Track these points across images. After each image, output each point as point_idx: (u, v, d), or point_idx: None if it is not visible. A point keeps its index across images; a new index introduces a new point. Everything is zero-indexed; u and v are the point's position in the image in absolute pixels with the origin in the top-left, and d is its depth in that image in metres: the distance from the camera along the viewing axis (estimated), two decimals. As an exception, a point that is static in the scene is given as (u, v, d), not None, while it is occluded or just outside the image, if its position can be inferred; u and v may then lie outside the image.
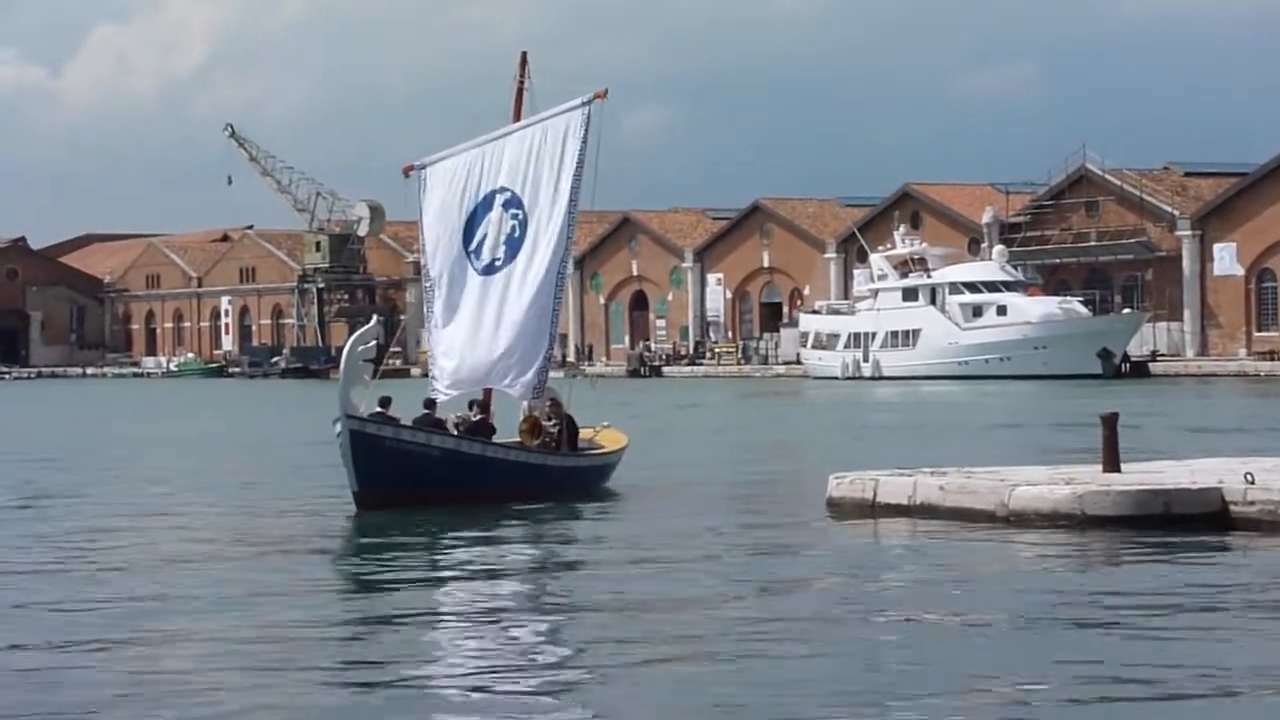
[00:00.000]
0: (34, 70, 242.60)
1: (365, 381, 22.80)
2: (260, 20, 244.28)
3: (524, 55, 25.96)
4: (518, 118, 25.64)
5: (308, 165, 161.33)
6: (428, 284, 25.41)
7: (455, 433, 23.88)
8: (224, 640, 13.32)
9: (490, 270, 24.91)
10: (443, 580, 17.22)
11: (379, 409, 23.08)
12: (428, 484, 22.56)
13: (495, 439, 24.29)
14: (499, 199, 24.99)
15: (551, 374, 25.30)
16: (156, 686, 11.74)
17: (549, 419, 24.63)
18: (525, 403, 24.97)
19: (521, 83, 25.84)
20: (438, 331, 25.12)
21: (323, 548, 19.84)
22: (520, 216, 24.83)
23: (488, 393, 25.07)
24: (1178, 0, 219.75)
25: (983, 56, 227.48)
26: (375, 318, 26.12)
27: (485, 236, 25.00)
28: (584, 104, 24.81)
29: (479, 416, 24.46)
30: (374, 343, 22.88)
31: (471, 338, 24.82)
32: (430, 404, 24.28)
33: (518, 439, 24.69)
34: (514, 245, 24.83)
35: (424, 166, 25.61)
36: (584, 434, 25.50)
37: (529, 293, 24.63)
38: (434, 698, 11.42)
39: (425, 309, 25.48)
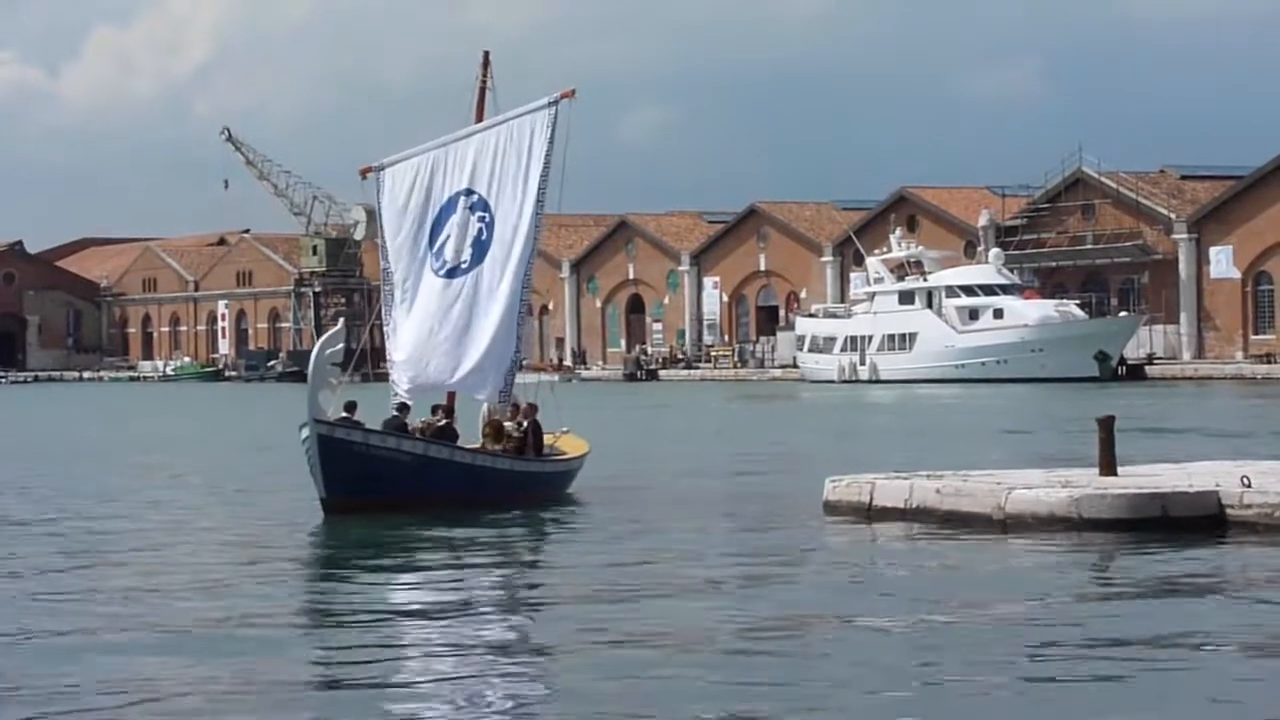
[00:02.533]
0: (32, 72, 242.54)
1: (332, 385, 22.48)
2: (260, 23, 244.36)
3: (486, 55, 25.72)
4: (480, 118, 25.34)
5: (307, 168, 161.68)
6: (388, 287, 25.02)
7: (420, 437, 23.46)
8: (180, 657, 13.03)
9: (454, 273, 24.55)
10: (420, 592, 16.97)
11: (344, 414, 22.72)
12: (396, 489, 22.18)
13: (457, 443, 23.89)
14: (464, 201, 24.67)
15: (523, 378, 25.09)
16: (114, 706, 11.48)
17: (514, 422, 24.30)
18: (485, 406, 24.63)
19: (484, 83, 25.54)
20: (404, 335, 24.69)
21: (287, 557, 19.40)
22: (487, 219, 24.53)
23: (451, 397, 24.72)
24: (1175, 4, 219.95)
25: (980, 60, 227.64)
26: (341, 321, 25.93)
27: (448, 239, 24.66)
28: (550, 104, 24.45)
29: (443, 421, 24.06)
30: (340, 346, 22.61)
31: (430, 340, 24.44)
32: (404, 408, 23.89)
33: (479, 443, 24.33)
34: (481, 248, 24.51)
35: (382, 168, 25.24)
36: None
37: (497, 297, 24.33)
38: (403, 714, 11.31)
39: (384, 311, 25.06)
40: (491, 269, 24.45)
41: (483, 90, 25.56)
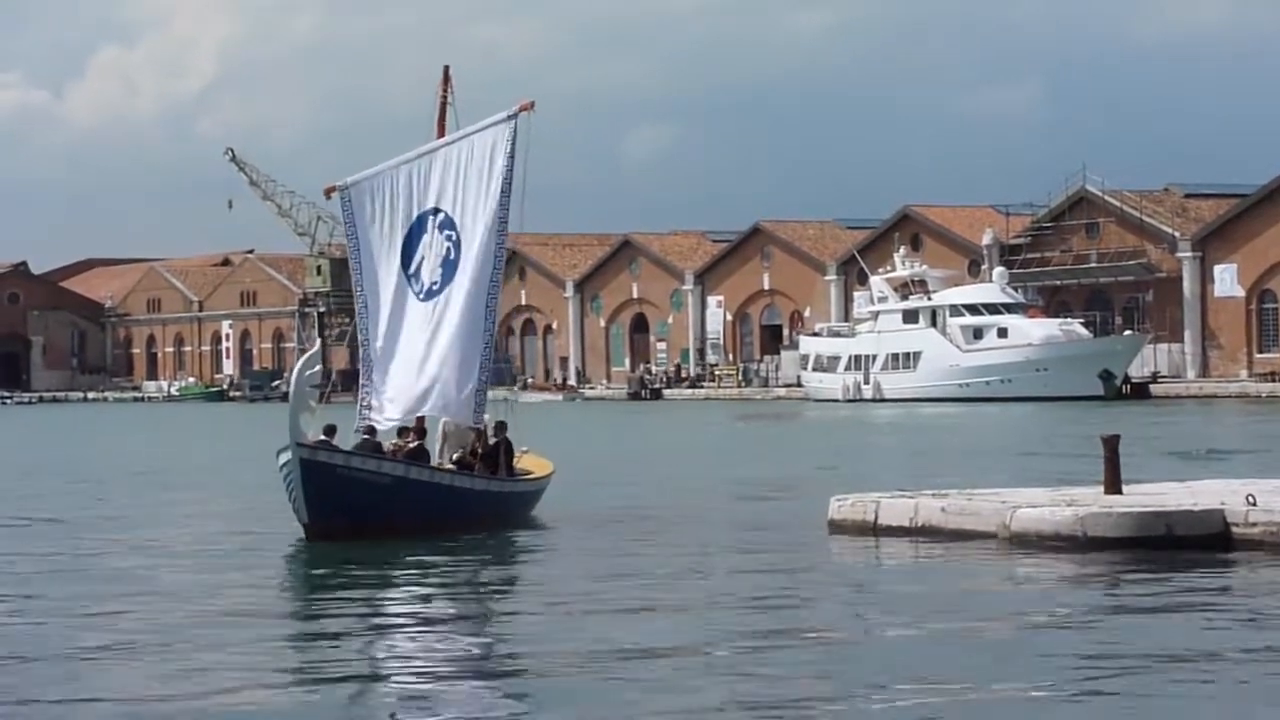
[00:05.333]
0: (38, 93, 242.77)
1: (312, 408, 22.05)
2: (264, 43, 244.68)
3: (446, 70, 25.48)
4: (442, 134, 25.07)
5: (311, 188, 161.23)
6: (361, 308, 24.61)
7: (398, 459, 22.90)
8: (158, 686, 12.70)
9: (431, 295, 24.20)
10: (422, 621, 16.76)
11: (324, 437, 22.27)
12: (379, 513, 21.71)
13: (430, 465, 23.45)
14: (433, 220, 24.33)
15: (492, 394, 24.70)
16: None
17: (479, 440, 23.91)
18: (442, 422, 24.15)
19: (444, 98, 25.30)
20: (380, 358, 24.22)
21: (268, 583, 18.96)
22: (454, 237, 24.17)
23: (420, 419, 24.18)
24: (1179, 23, 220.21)
25: (984, 78, 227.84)
26: (319, 341, 25.52)
27: (424, 260, 24.32)
28: (509, 117, 24.07)
29: (415, 443, 23.58)
30: (319, 368, 22.23)
31: (418, 366, 23.97)
32: (370, 431, 23.47)
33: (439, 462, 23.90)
34: (450, 268, 24.14)
35: (347, 187, 24.83)
36: None
37: (466, 316, 23.91)
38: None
39: (360, 334, 24.60)
40: (460, 288, 24.06)
41: (444, 105, 25.28)
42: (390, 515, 21.84)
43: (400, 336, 24.29)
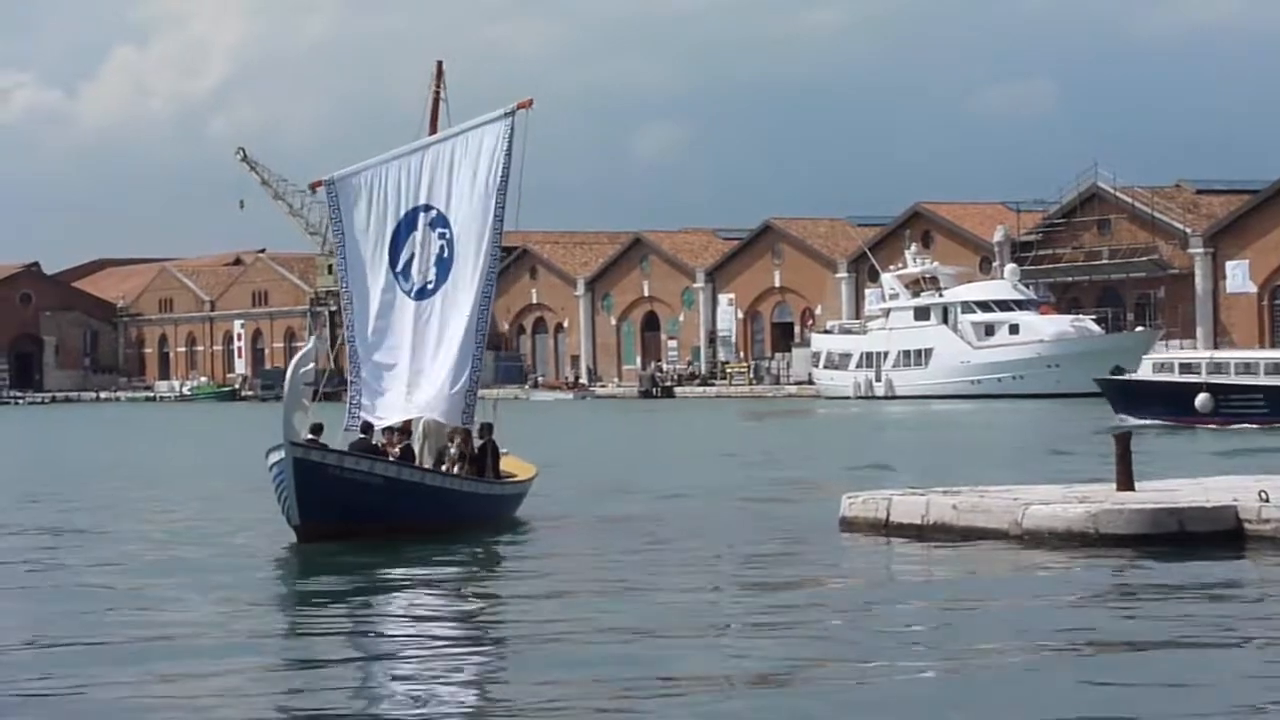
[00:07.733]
0: (51, 93, 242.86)
1: (305, 406, 21.75)
2: (277, 42, 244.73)
3: (439, 65, 25.35)
4: (434, 130, 24.90)
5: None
6: (347, 304, 24.36)
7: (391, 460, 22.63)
8: (142, 693, 12.51)
9: (423, 294, 23.96)
10: (427, 624, 16.74)
11: (311, 436, 21.93)
12: (371, 514, 21.42)
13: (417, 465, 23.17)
14: (423, 218, 24.08)
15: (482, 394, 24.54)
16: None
17: (466, 442, 23.56)
18: (422, 422, 23.75)
19: (437, 93, 25.12)
20: (369, 356, 23.97)
21: (259, 585, 18.70)
22: (448, 236, 23.94)
23: (407, 420, 23.79)
24: (1190, 19, 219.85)
25: (995, 75, 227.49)
26: (314, 339, 25.34)
27: (413, 257, 24.07)
28: (506, 115, 23.85)
29: (404, 443, 23.32)
30: (312, 366, 21.95)
31: (409, 366, 23.76)
32: (367, 429, 23.24)
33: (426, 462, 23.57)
34: (445, 266, 23.92)
35: (333, 181, 24.58)
36: None
37: (460, 316, 23.73)
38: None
39: (345, 330, 24.37)
40: (457, 288, 23.86)
41: (436, 101, 25.11)
42: (381, 517, 21.57)
43: (389, 334, 24.08)
